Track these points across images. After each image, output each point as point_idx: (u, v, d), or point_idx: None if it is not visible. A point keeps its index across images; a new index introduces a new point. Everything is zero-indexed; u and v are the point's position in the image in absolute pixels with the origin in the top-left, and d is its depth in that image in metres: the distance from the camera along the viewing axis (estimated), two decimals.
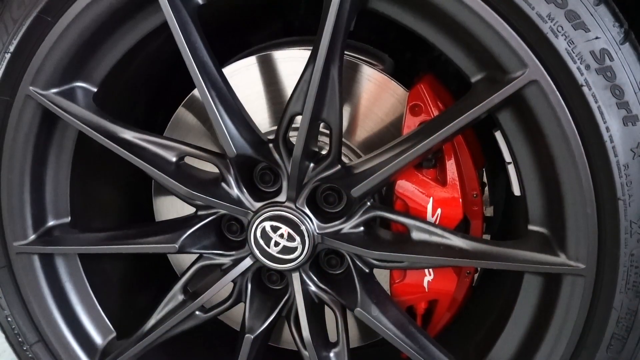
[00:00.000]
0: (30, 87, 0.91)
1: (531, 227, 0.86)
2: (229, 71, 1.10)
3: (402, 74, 1.13)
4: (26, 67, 0.90)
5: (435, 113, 0.96)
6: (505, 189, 1.12)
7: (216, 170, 1.00)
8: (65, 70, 0.92)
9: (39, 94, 0.91)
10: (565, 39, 0.72)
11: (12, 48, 0.89)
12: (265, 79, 1.12)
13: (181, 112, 1.17)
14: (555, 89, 0.74)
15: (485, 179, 1.13)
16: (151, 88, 1.22)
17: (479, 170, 1.00)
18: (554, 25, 0.71)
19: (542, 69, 0.73)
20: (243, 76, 1.11)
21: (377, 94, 1.07)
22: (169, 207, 1.22)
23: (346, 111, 1.07)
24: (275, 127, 1.11)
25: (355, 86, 1.07)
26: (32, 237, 1.02)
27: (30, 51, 0.89)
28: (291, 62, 1.09)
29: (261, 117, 1.12)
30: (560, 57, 0.72)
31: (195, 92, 1.14)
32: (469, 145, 0.97)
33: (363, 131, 1.10)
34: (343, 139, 0.97)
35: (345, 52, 0.93)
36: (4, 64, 0.90)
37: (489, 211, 1.09)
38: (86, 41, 0.89)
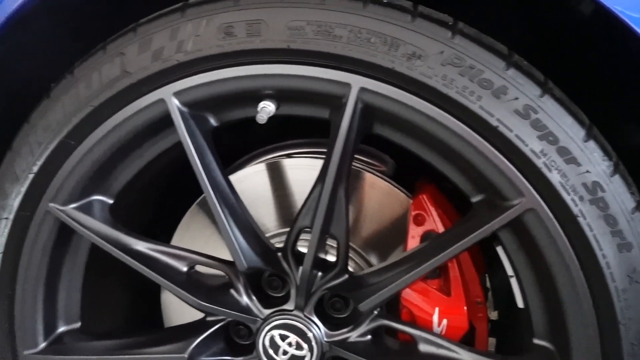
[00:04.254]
0: (50, 204, 0.95)
1: (536, 341, 0.88)
2: (240, 176, 1.16)
3: (403, 174, 1.19)
4: (47, 185, 0.95)
5: (438, 222, 1.00)
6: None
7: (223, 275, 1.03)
8: (84, 187, 0.96)
9: (58, 210, 0.95)
10: (558, 173, 0.77)
11: (35, 169, 0.94)
12: (272, 184, 1.17)
13: (193, 211, 1.21)
14: (552, 217, 0.78)
15: (488, 284, 1.16)
16: (159, 191, 1.27)
17: (481, 276, 1.03)
18: (547, 160, 0.76)
19: (539, 198, 0.78)
20: (252, 182, 1.16)
21: (379, 199, 1.12)
22: (176, 299, 1.23)
23: (350, 215, 1.11)
24: (281, 230, 1.16)
25: (358, 193, 1.12)
26: (43, 345, 1.03)
27: (52, 171, 0.94)
28: (298, 169, 1.15)
29: (268, 220, 1.16)
30: (554, 189, 0.77)
31: None
32: (471, 254, 1.01)
33: (365, 233, 1.14)
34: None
35: None
36: (27, 183, 0.95)
37: (493, 315, 1.11)
38: (106, 161, 0.94)
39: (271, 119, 0.88)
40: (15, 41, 0.93)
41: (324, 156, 1.14)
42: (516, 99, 0.76)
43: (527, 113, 0.76)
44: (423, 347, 0.93)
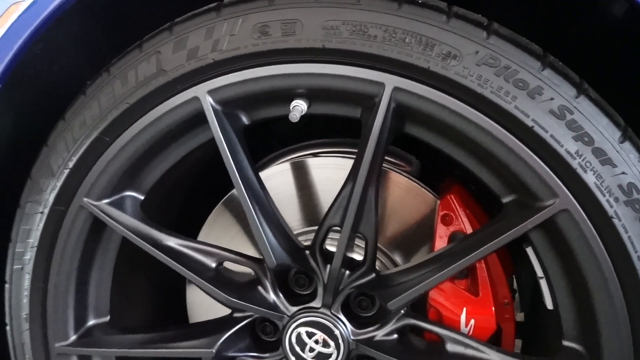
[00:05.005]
0: (85, 199, 0.97)
1: (566, 343, 0.87)
2: (266, 175, 1.17)
3: (429, 174, 1.19)
4: (82, 180, 0.96)
5: (466, 223, 1.00)
6: (534, 296, 1.13)
7: (250, 271, 1.04)
8: (117, 183, 0.98)
9: (92, 205, 0.97)
10: (593, 174, 0.76)
11: (71, 164, 0.96)
12: (297, 183, 1.17)
13: (219, 210, 1.22)
14: (586, 218, 0.78)
15: (515, 286, 1.15)
16: (185, 190, 1.28)
17: (508, 277, 1.03)
18: (582, 161, 0.76)
19: (573, 199, 0.78)
20: (278, 180, 1.17)
21: (406, 199, 1.12)
22: (201, 295, 1.24)
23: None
24: (306, 229, 1.17)
25: (385, 192, 1.12)
26: (73, 337, 1.05)
27: (87, 167, 0.95)
28: (323, 169, 1.15)
29: (293, 219, 1.17)
30: (589, 190, 0.77)
31: (234, 191, 1.20)
32: (499, 255, 1.00)
33: (391, 232, 1.14)
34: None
35: None
36: (63, 178, 0.96)
37: (519, 316, 1.11)
38: (139, 158, 0.96)
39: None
40: (52, 39, 0.95)
41: (350, 155, 1.17)
42: (552, 99, 0.77)
43: (562, 114, 0.76)
44: (451, 347, 0.93)
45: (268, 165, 1.22)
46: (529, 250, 0.90)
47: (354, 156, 1.12)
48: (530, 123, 0.77)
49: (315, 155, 1.21)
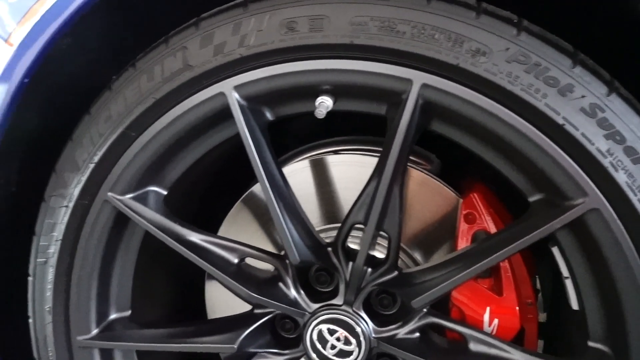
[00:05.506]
0: (109, 193, 0.97)
1: (591, 344, 0.87)
2: (286, 172, 1.16)
3: (448, 172, 1.18)
4: (106, 175, 0.97)
5: (489, 221, 0.99)
6: (556, 296, 1.12)
7: (270, 268, 1.04)
8: (141, 177, 0.98)
9: (116, 199, 0.97)
10: (625, 173, 0.76)
11: (96, 159, 0.96)
12: (317, 180, 1.17)
13: (238, 207, 1.22)
14: (616, 218, 0.77)
15: (538, 286, 1.14)
16: (204, 187, 1.29)
17: (532, 277, 1.02)
18: (613, 159, 0.76)
19: (603, 198, 0.77)
20: (297, 178, 1.17)
21: (427, 197, 1.11)
22: (220, 291, 1.24)
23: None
24: (325, 227, 1.17)
25: (407, 190, 1.12)
26: (95, 331, 1.06)
27: (112, 161, 0.96)
28: (342, 166, 1.15)
29: (312, 216, 1.17)
30: (620, 189, 0.76)
31: (254, 189, 1.20)
32: (523, 254, 1.00)
33: (411, 230, 1.13)
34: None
35: None
36: (88, 172, 0.97)
37: (542, 317, 1.10)
38: (163, 153, 0.96)
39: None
40: (78, 34, 0.95)
41: (371, 153, 1.17)
42: (583, 97, 0.76)
43: (593, 111, 0.76)
44: (474, 346, 0.92)
45: (288, 162, 1.22)
46: (555, 250, 0.89)
47: (375, 154, 1.14)
48: (560, 121, 0.76)
49: (335, 152, 1.21)
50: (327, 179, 1.18)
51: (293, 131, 1.41)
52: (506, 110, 0.78)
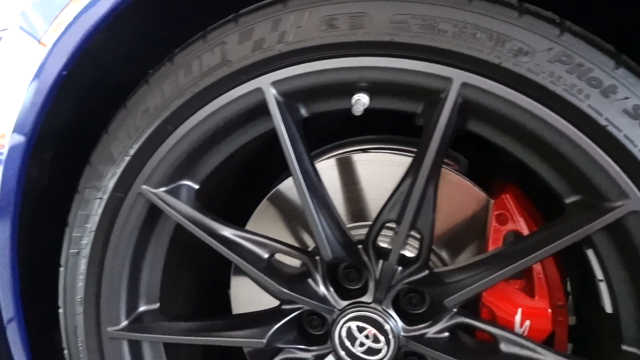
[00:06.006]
0: (143, 186, 0.98)
1: (625, 348, 0.86)
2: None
3: (476, 173, 1.18)
4: (141, 168, 0.98)
5: (522, 222, 0.99)
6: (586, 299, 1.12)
7: (298, 264, 1.04)
8: (175, 171, 0.99)
9: (151, 192, 0.98)
10: None
11: (132, 152, 0.97)
12: (345, 178, 1.17)
13: (264, 206, 1.23)
14: None
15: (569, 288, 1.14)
16: (231, 185, 1.29)
17: (563, 279, 1.01)
18: None
19: None
20: (326, 174, 1.17)
21: (457, 197, 1.11)
22: (247, 286, 1.25)
23: None
24: (351, 225, 1.17)
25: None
26: (125, 323, 1.07)
27: (147, 154, 0.97)
28: (371, 164, 1.15)
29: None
30: None
31: (280, 187, 1.20)
32: (554, 256, 0.99)
33: (440, 230, 1.13)
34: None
35: None
36: (123, 165, 0.98)
37: (571, 320, 1.09)
38: (198, 147, 0.97)
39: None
40: (115, 29, 0.96)
41: (401, 152, 1.16)
42: (626, 98, 0.75)
43: (636, 113, 0.75)
44: (505, 347, 0.92)
45: (316, 159, 1.23)
46: (590, 253, 0.89)
47: (405, 153, 1.14)
48: (603, 122, 0.76)
49: (364, 151, 1.21)
50: (353, 178, 1.18)
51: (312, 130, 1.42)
52: (547, 111, 0.78)
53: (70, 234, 1.05)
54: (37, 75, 0.98)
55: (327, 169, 1.18)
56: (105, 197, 1.00)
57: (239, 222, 1.26)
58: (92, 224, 1.02)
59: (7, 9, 1.14)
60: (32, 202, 1.05)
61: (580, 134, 0.77)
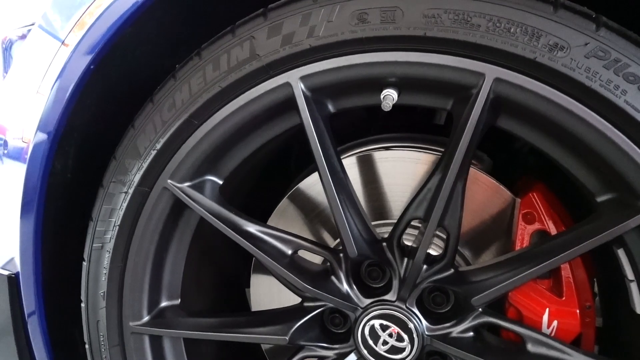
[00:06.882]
0: (169, 181, 0.98)
1: None
2: None
3: (499, 172, 1.17)
4: (167, 162, 0.97)
5: (549, 221, 0.98)
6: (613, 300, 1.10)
7: (320, 261, 1.03)
8: (200, 166, 0.99)
9: (176, 187, 0.98)
10: None
11: (158, 146, 0.97)
12: (363, 177, 1.17)
13: (285, 203, 1.22)
14: None
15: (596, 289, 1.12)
16: (253, 182, 1.29)
17: (591, 280, 1.00)
18: None
19: None
20: (350, 171, 1.16)
21: (482, 195, 1.10)
22: (267, 284, 1.25)
23: None
24: (373, 223, 1.16)
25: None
26: (146, 318, 1.06)
27: (173, 149, 0.97)
28: (395, 162, 1.14)
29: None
30: None
31: (300, 185, 1.20)
32: (582, 256, 0.98)
33: (465, 228, 1.12)
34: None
35: None
36: (149, 159, 0.98)
37: (598, 321, 1.08)
38: (223, 142, 0.96)
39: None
40: (142, 25, 0.96)
41: (426, 149, 1.15)
42: None
43: None
44: (532, 347, 0.91)
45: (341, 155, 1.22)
46: (620, 252, 0.87)
47: (430, 150, 1.13)
48: None
49: (387, 148, 1.21)
50: (374, 175, 1.17)
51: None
52: (583, 107, 0.77)
53: (94, 228, 1.05)
54: (62, 72, 0.98)
55: (347, 166, 1.18)
56: (131, 191, 1.00)
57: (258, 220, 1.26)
58: (117, 218, 1.02)
59: (31, 5, 1.15)
60: (56, 196, 1.05)
61: (616, 131, 0.76)
